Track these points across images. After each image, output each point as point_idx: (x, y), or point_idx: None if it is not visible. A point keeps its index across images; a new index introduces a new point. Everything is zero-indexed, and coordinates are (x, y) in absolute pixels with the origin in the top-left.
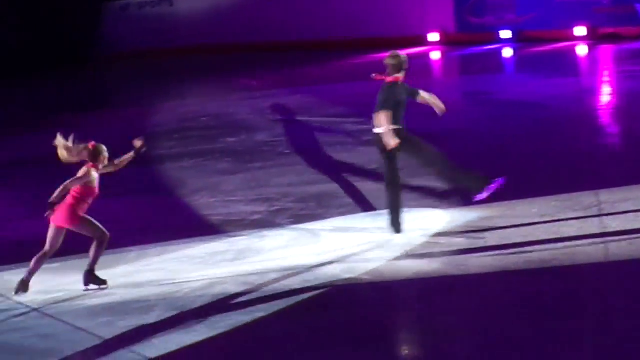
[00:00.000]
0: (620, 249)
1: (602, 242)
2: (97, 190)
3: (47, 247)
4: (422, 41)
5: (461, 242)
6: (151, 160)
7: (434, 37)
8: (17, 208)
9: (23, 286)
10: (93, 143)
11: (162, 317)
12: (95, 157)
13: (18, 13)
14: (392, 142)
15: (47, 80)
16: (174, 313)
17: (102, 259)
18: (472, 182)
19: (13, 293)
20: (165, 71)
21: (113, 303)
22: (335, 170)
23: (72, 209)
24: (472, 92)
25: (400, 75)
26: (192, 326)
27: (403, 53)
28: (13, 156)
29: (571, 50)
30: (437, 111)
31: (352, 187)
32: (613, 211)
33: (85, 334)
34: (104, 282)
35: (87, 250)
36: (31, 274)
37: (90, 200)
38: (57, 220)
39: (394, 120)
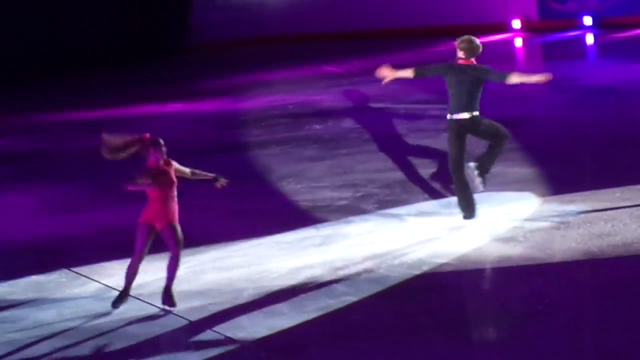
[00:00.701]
0: None
1: None
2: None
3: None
4: (505, 28)
5: (545, 226)
6: (239, 148)
7: (516, 24)
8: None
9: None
10: (147, 134)
11: (251, 301)
12: (157, 144)
13: (107, 4)
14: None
15: (137, 69)
16: (262, 297)
17: (192, 245)
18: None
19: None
20: (252, 60)
21: (204, 287)
22: (419, 156)
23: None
24: (555, 79)
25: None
26: (281, 310)
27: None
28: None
29: None
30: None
31: (436, 172)
32: None
33: (177, 317)
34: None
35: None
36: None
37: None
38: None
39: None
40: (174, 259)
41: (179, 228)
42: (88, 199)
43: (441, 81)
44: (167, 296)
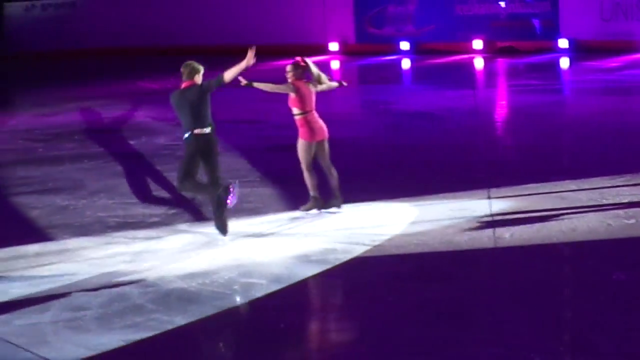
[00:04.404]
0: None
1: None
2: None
3: None
4: (323, 50)
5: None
6: (51, 161)
7: (334, 46)
8: None
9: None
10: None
11: (58, 317)
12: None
13: None
14: None
15: None
16: (69, 312)
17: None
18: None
19: None
20: (68, 73)
21: (13, 300)
22: (235, 175)
23: None
24: (370, 102)
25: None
26: (88, 326)
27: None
28: None
29: (469, 63)
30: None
31: (250, 192)
32: (505, 217)
33: None
34: None
35: None
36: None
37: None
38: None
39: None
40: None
41: None
42: None
43: (259, 100)
44: None
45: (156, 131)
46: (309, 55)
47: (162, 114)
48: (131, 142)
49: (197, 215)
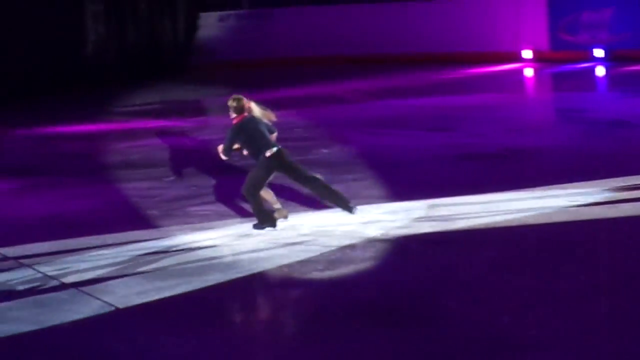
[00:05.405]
0: None
1: None
2: None
3: None
4: (516, 57)
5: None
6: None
7: (527, 54)
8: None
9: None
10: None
11: None
12: None
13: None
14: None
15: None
16: None
17: None
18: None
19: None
20: (259, 81)
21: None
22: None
23: None
24: (564, 109)
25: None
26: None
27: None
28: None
29: None
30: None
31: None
32: None
33: None
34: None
35: None
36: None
37: None
38: None
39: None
40: None
41: None
42: None
43: (451, 108)
44: None
45: (349, 139)
46: (501, 63)
47: (356, 122)
48: (325, 151)
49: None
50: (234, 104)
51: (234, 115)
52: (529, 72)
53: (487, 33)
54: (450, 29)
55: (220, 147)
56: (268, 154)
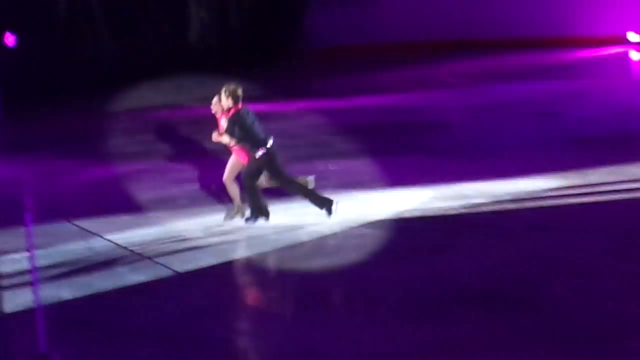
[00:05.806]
0: None
1: None
2: None
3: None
4: (622, 41)
5: None
6: (353, 154)
7: (633, 37)
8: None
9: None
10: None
11: None
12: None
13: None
14: None
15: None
16: None
17: None
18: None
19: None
20: (367, 66)
21: None
22: None
23: None
24: None
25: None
26: None
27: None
28: None
29: None
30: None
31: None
32: None
33: None
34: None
35: None
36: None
37: None
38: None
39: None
40: None
41: None
42: None
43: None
44: None
45: (454, 124)
46: (606, 46)
47: (459, 107)
48: (428, 136)
49: None
50: (230, 93)
51: (230, 105)
52: (635, 55)
53: (593, 15)
54: (557, 11)
55: (215, 135)
56: (258, 154)
